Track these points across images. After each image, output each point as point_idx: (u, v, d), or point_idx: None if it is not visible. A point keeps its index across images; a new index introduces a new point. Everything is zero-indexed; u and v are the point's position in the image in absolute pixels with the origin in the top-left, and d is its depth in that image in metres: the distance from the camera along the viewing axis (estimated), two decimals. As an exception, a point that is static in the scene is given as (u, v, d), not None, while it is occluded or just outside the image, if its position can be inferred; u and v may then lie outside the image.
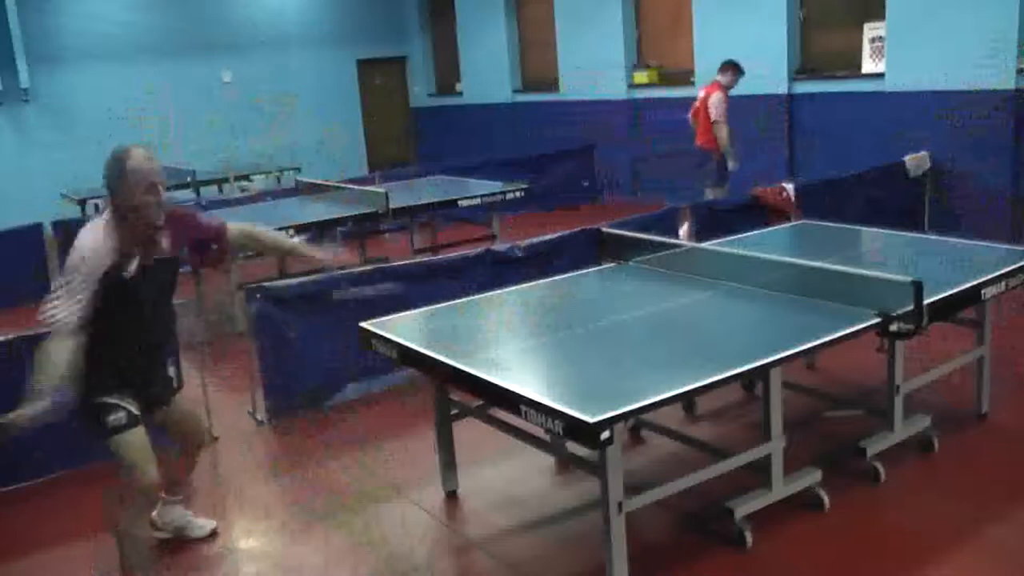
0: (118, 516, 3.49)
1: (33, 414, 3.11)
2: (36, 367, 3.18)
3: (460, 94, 15.47)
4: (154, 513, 3.91)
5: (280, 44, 15.01)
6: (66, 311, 3.17)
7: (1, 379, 4.53)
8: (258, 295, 5.23)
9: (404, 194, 8.11)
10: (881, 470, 4.00)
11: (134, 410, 3.43)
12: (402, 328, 3.96)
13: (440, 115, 15.96)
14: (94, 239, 3.22)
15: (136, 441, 3.41)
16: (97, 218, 3.33)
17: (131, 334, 3.42)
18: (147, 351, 3.54)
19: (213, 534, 4.04)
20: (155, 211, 3.26)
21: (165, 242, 3.40)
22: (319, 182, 8.92)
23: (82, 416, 3.43)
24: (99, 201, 10.43)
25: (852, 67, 9.38)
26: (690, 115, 8.89)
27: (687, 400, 4.72)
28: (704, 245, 4.91)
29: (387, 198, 7.21)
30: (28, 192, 12.12)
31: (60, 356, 3.17)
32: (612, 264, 4.80)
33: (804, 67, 9.91)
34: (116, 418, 3.39)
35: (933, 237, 5.90)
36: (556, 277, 4.74)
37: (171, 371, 4.02)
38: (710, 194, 8.55)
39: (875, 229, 5.32)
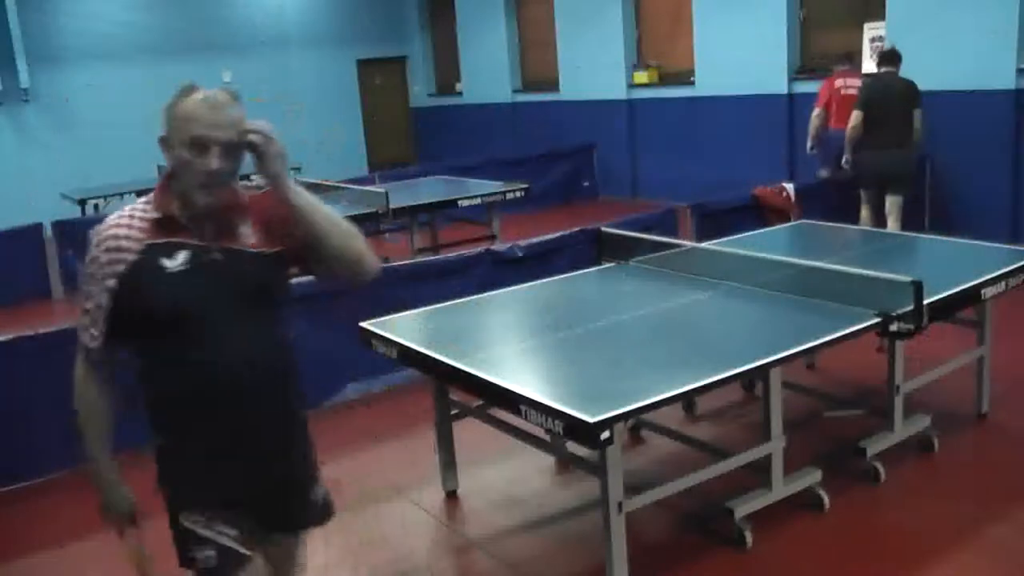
0: None
1: (107, 503, 2.40)
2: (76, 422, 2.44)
3: (460, 94, 15.47)
4: None
5: (280, 44, 15.02)
6: (80, 322, 2.30)
7: (2, 378, 4.57)
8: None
9: (404, 194, 8.11)
10: (881, 470, 4.00)
11: (231, 543, 2.26)
12: (402, 328, 3.96)
13: (440, 115, 15.96)
14: (119, 216, 2.18)
15: None
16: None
17: (195, 376, 2.19)
18: (240, 411, 2.23)
19: None
20: (203, 180, 2.11)
21: (248, 230, 2.24)
22: (319, 182, 8.92)
23: (172, 530, 2.38)
24: (99, 201, 10.45)
25: (852, 67, 9.37)
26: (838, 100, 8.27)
27: (687, 400, 4.72)
28: (704, 245, 4.91)
29: (387, 198, 7.21)
30: (28, 192, 12.12)
31: (84, 399, 2.36)
32: (612, 264, 4.80)
33: (804, 67, 9.91)
34: (205, 558, 2.29)
35: (933, 237, 5.90)
36: (556, 277, 4.74)
37: (319, 487, 2.55)
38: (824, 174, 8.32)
39: (875, 229, 5.32)
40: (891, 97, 7.10)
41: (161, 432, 2.34)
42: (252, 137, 2.18)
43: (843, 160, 7.31)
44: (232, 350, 2.18)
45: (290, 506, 2.44)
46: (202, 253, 2.15)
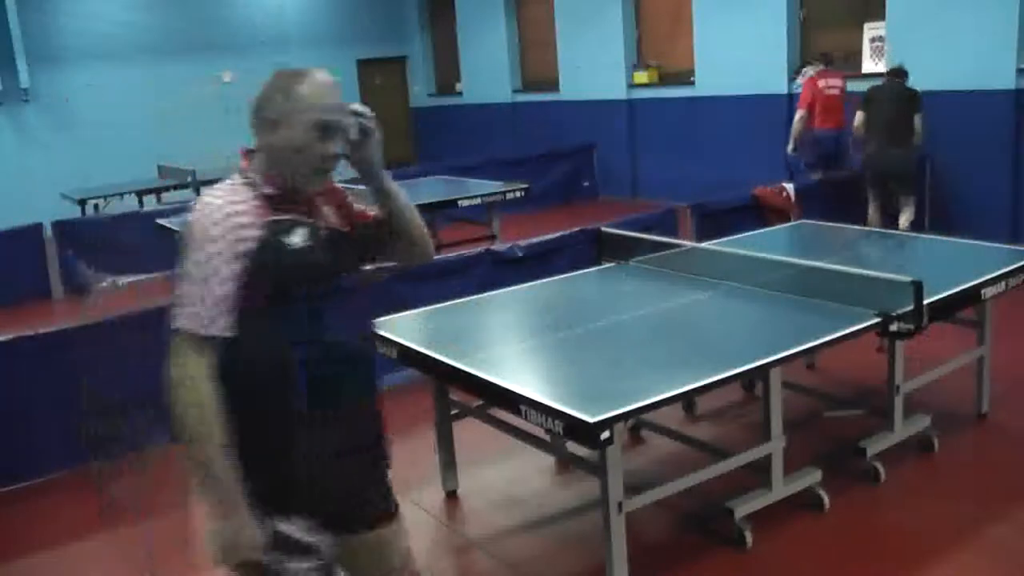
0: None
1: (239, 538, 1.99)
2: (185, 433, 1.96)
3: (460, 94, 15.47)
4: None
5: (280, 44, 15.01)
6: (192, 311, 1.96)
7: (2, 378, 4.57)
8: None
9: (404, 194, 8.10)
10: (881, 470, 4.00)
11: (326, 553, 2.14)
12: (402, 328, 3.95)
13: (440, 115, 15.96)
14: (225, 196, 2.03)
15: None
16: (220, 183, 2.12)
17: (315, 367, 2.07)
18: (349, 402, 2.16)
19: None
20: (321, 164, 2.09)
21: (330, 211, 2.22)
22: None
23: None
24: (99, 201, 10.45)
25: (852, 67, 9.38)
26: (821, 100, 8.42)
27: (687, 400, 4.72)
28: (704, 245, 4.91)
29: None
30: (28, 192, 12.12)
31: (202, 400, 1.95)
32: (612, 264, 4.80)
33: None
34: (302, 570, 2.08)
35: (933, 237, 5.90)
36: (556, 277, 4.74)
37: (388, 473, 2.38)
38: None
39: (875, 229, 5.32)
40: (891, 99, 7.35)
41: (261, 457, 2.04)
42: (366, 122, 2.16)
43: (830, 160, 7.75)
44: (348, 327, 2.14)
45: (374, 505, 2.31)
46: (316, 230, 2.10)
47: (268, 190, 2.07)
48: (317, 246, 2.09)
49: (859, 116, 7.54)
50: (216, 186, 2.10)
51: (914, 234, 6.60)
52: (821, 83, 8.40)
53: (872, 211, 7.55)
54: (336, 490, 2.14)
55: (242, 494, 1.98)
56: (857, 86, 9.09)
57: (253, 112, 2.13)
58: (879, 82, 7.68)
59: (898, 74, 7.50)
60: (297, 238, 2.06)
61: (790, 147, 8.61)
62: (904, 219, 7.41)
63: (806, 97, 8.42)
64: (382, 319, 4.08)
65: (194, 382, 1.94)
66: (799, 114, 8.44)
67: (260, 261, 1.99)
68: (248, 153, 2.15)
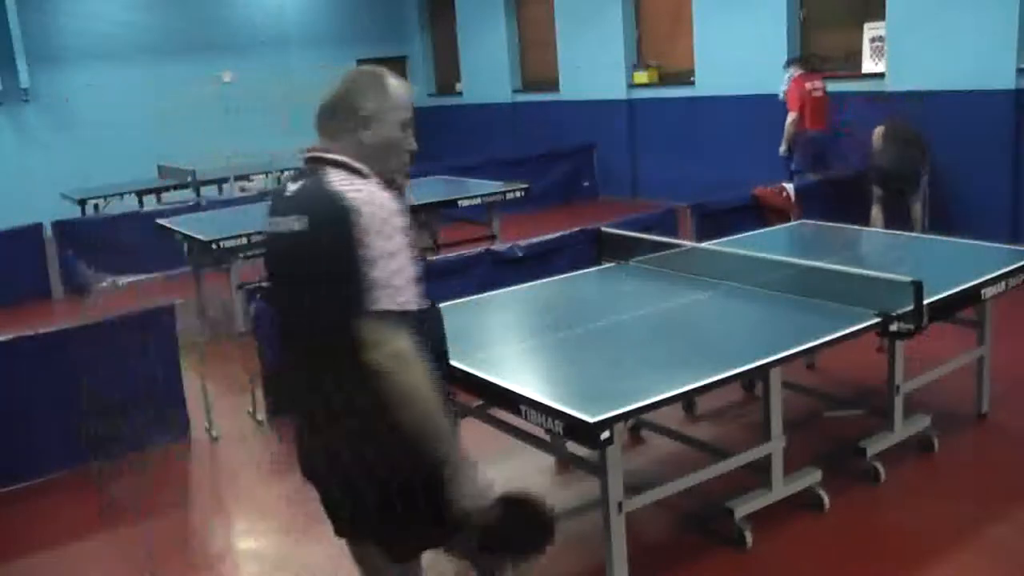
0: None
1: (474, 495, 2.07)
2: (415, 408, 2.01)
3: (460, 94, 15.47)
4: None
5: (280, 44, 15.01)
6: (389, 292, 2.00)
7: (2, 378, 4.58)
8: (258, 295, 5.23)
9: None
10: (881, 470, 4.00)
11: None
12: (402, 328, 3.95)
13: (440, 115, 15.95)
14: (376, 185, 2.14)
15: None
16: (331, 172, 2.15)
17: (434, 350, 2.16)
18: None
19: None
20: (408, 159, 2.33)
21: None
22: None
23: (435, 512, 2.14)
24: (99, 201, 10.44)
25: (852, 67, 9.39)
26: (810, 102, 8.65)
27: (687, 400, 4.72)
28: (704, 245, 4.91)
29: (387, 198, 7.19)
30: (28, 192, 12.12)
31: (420, 365, 2.02)
32: (612, 264, 4.80)
33: (804, 67, 9.89)
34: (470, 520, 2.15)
35: (933, 237, 5.90)
36: (556, 277, 4.74)
37: None
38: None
39: (875, 229, 5.32)
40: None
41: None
42: None
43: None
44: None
45: None
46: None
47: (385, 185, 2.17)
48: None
49: (879, 130, 7.72)
50: (353, 179, 2.14)
51: (914, 234, 6.61)
52: (808, 85, 8.57)
53: (876, 212, 7.54)
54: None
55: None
56: (857, 86, 9.12)
57: (338, 111, 2.21)
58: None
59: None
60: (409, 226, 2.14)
61: (782, 148, 8.77)
62: (917, 212, 7.55)
63: (796, 99, 8.55)
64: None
65: (411, 356, 2.00)
66: (792, 116, 8.59)
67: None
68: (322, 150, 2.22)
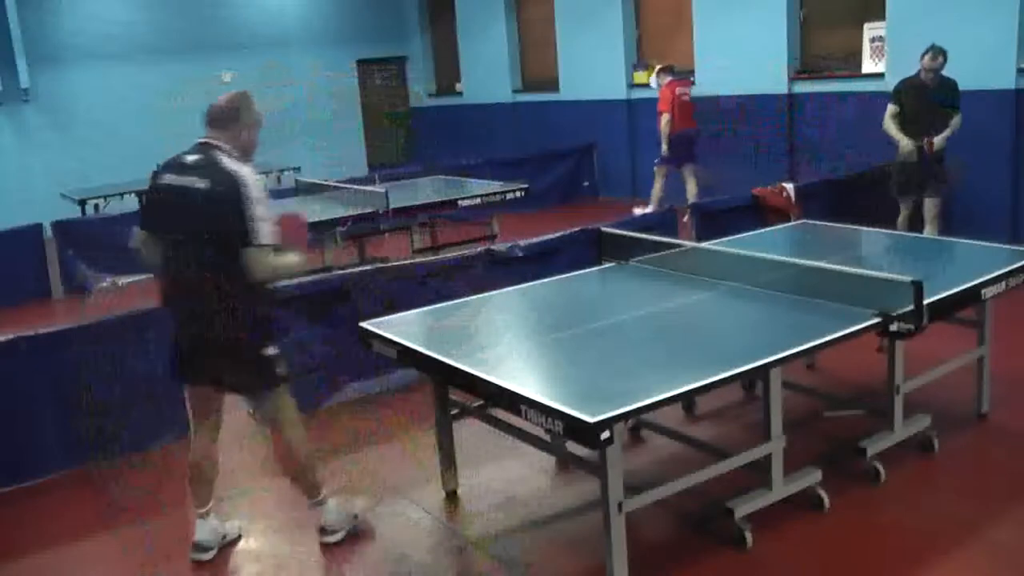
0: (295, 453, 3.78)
1: None
2: (277, 271, 3.49)
3: (460, 94, 15.47)
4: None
5: (280, 44, 15.00)
6: (267, 230, 3.37)
7: (2, 378, 4.57)
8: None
9: (404, 194, 8.11)
10: (881, 470, 4.00)
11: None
12: (402, 328, 3.96)
13: (440, 115, 15.96)
14: (245, 166, 3.47)
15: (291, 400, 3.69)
16: (219, 157, 3.45)
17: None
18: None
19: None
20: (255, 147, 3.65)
21: None
22: (319, 182, 8.93)
23: (254, 367, 3.56)
24: (99, 201, 10.45)
25: (852, 67, 9.39)
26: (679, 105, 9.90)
27: (687, 400, 4.72)
28: (704, 245, 4.91)
29: (387, 198, 7.21)
30: (28, 192, 12.11)
31: (281, 262, 3.46)
32: (612, 264, 4.80)
33: (804, 67, 9.91)
34: (283, 369, 3.60)
35: (933, 237, 5.90)
36: (556, 277, 4.74)
37: None
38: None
39: (875, 229, 5.32)
40: (924, 97, 7.08)
41: (263, 317, 3.62)
42: None
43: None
44: None
45: None
46: None
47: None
48: None
49: (890, 108, 7.20)
50: (231, 160, 3.46)
51: (914, 234, 6.60)
52: (678, 90, 9.93)
53: (902, 220, 7.25)
54: None
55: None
56: (857, 86, 9.13)
57: (227, 117, 3.54)
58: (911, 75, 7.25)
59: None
60: None
61: (664, 147, 9.96)
62: (929, 227, 7.16)
63: (667, 103, 9.83)
64: (382, 319, 4.09)
65: (276, 260, 3.44)
66: (665, 118, 9.86)
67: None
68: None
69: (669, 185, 10.21)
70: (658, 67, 10.35)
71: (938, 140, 6.92)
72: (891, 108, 7.18)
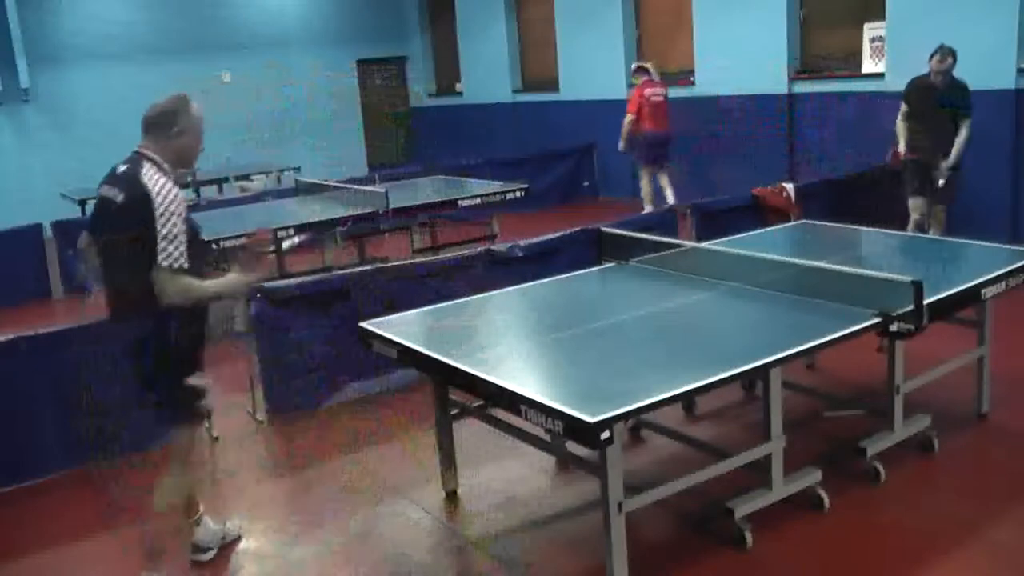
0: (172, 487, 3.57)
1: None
2: (189, 294, 3.26)
3: (460, 94, 15.47)
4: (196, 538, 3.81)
5: (280, 44, 15.00)
6: (177, 252, 3.19)
7: (2, 378, 4.57)
8: (258, 295, 5.23)
9: (404, 194, 8.11)
10: (881, 470, 4.00)
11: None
12: (402, 328, 3.96)
13: (440, 115, 15.96)
14: (165, 180, 3.27)
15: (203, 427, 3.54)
16: (145, 166, 3.29)
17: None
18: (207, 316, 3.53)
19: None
20: (198, 154, 3.49)
21: None
22: (319, 182, 8.93)
23: (169, 391, 3.38)
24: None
25: (852, 67, 9.39)
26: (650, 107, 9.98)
27: (687, 400, 4.72)
28: (704, 245, 4.91)
29: (387, 198, 7.21)
30: (28, 192, 12.11)
31: (195, 282, 3.26)
32: (612, 264, 4.80)
33: (804, 67, 9.91)
34: (206, 404, 3.43)
35: (933, 237, 5.90)
36: (556, 277, 4.74)
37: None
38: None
39: (875, 229, 5.32)
40: (931, 99, 6.89)
41: (187, 341, 3.41)
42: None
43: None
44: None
45: None
46: None
47: (172, 177, 3.33)
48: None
49: (902, 108, 7.05)
50: (158, 174, 3.28)
51: (914, 234, 6.60)
52: (648, 92, 9.95)
53: (912, 227, 7.04)
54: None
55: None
56: (857, 86, 9.13)
57: (159, 124, 3.35)
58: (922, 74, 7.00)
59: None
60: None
61: (621, 145, 10.09)
62: (934, 232, 7.03)
63: (634, 104, 9.94)
64: (382, 319, 4.09)
65: (183, 285, 3.23)
66: (628, 118, 9.97)
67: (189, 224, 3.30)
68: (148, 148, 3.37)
69: (655, 181, 10.32)
70: (635, 66, 10.41)
71: (943, 168, 6.78)
72: (903, 108, 7.05)
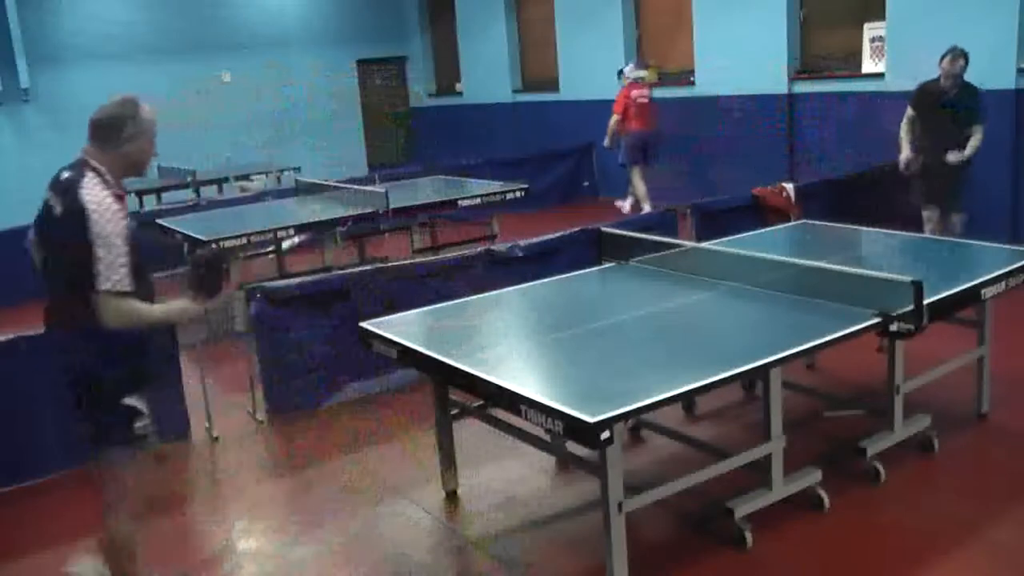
0: (115, 530, 3.21)
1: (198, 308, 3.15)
2: (132, 320, 2.97)
3: (460, 94, 15.47)
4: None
5: (280, 44, 15.01)
6: (117, 276, 2.89)
7: (2, 378, 4.57)
8: (258, 295, 5.23)
9: (404, 194, 8.11)
10: (881, 470, 4.00)
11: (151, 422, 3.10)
12: (402, 328, 3.96)
13: (440, 115, 15.96)
14: (104, 196, 2.94)
15: (143, 461, 3.13)
16: (87, 177, 2.98)
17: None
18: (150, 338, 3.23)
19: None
20: (149, 160, 3.16)
21: None
22: (319, 182, 8.93)
23: (102, 414, 3.08)
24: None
25: (852, 67, 9.39)
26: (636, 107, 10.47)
27: (687, 400, 4.72)
28: (704, 245, 4.91)
29: (387, 198, 7.21)
30: (28, 192, 11.99)
31: (140, 308, 2.97)
32: (612, 264, 4.80)
33: (804, 67, 9.91)
34: (143, 426, 3.09)
35: (933, 237, 5.90)
36: (556, 277, 4.74)
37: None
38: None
39: (875, 229, 5.32)
40: (941, 105, 6.65)
41: (120, 361, 3.07)
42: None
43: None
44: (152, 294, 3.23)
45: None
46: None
47: (115, 188, 3.02)
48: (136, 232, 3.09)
49: (908, 112, 6.83)
50: (99, 186, 2.95)
51: (914, 234, 6.59)
52: (634, 93, 10.47)
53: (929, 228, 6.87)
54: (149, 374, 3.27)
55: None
56: (857, 86, 9.13)
57: (105, 130, 3.03)
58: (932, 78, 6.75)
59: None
60: (133, 224, 3.07)
61: (606, 142, 10.68)
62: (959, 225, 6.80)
63: (620, 104, 10.44)
64: (382, 319, 4.09)
65: (124, 311, 2.94)
66: (614, 117, 10.48)
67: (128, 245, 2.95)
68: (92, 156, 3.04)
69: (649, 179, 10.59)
70: (624, 69, 10.86)
71: (950, 157, 6.58)
72: (908, 112, 6.84)
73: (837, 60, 9.59)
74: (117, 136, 3.03)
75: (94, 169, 3.01)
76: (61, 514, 4.37)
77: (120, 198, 3.03)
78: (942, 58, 6.56)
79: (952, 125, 6.65)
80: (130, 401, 3.08)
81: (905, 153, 6.80)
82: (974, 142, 6.61)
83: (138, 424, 3.09)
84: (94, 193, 2.93)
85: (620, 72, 10.85)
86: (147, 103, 3.12)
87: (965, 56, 6.50)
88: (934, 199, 6.85)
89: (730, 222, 6.26)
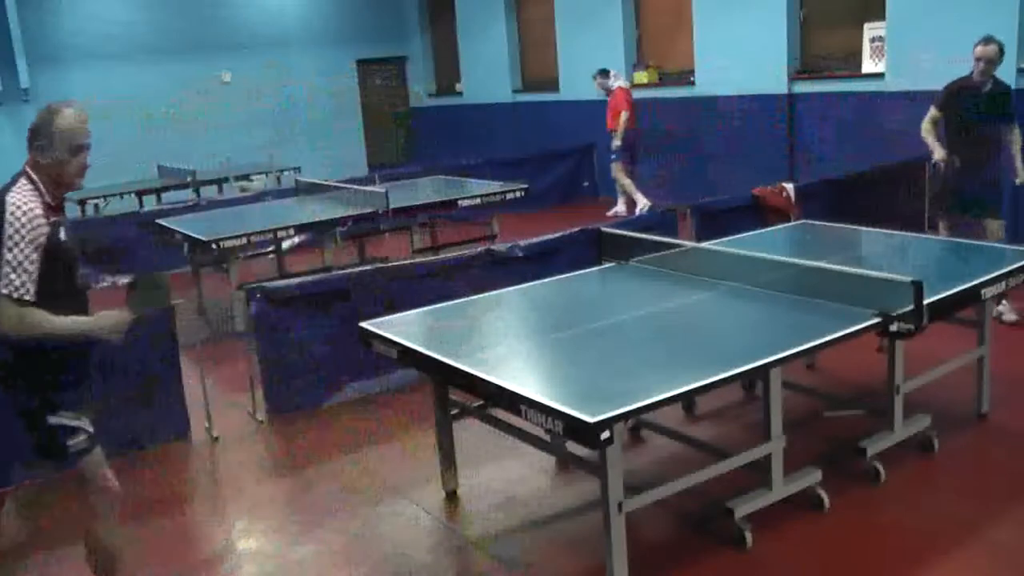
0: (94, 529, 3.30)
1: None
2: (27, 329, 2.87)
3: (460, 94, 15.47)
4: None
5: (280, 44, 15.01)
6: (20, 281, 2.84)
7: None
8: (258, 295, 5.23)
9: (404, 194, 8.11)
10: (881, 470, 4.00)
11: (90, 427, 3.07)
12: (402, 328, 3.96)
13: (440, 115, 15.96)
14: (26, 201, 2.92)
15: (97, 458, 3.12)
16: (20, 182, 3.00)
17: (74, 316, 3.01)
18: (88, 344, 3.14)
19: None
20: (80, 174, 3.06)
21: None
22: (319, 182, 8.93)
23: (35, 435, 3.06)
24: (99, 201, 10.45)
25: (852, 67, 9.39)
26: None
27: (687, 400, 4.72)
28: (704, 245, 4.91)
29: (387, 198, 7.21)
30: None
31: (41, 318, 2.87)
32: (612, 264, 4.80)
33: (804, 67, 9.91)
34: (76, 443, 3.04)
35: (933, 237, 5.90)
36: (556, 277, 4.74)
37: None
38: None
39: (875, 229, 5.32)
40: (978, 106, 6.27)
41: (43, 373, 2.99)
42: None
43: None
44: (86, 303, 3.20)
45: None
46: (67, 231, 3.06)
47: (47, 197, 2.98)
48: (70, 240, 3.06)
49: (931, 112, 6.37)
50: (26, 189, 2.94)
51: (914, 234, 6.58)
52: (630, 92, 10.87)
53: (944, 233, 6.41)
54: (86, 381, 3.16)
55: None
56: (857, 86, 9.13)
57: (32, 137, 3.02)
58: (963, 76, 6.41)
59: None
60: (61, 234, 2.99)
61: (617, 143, 10.78)
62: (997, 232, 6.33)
63: (627, 102, 10.72)
64: (382, 319, 4.09)
65: (29, 317, 2.85)
66: (624, 115, 10.69)
67: (48, 251, 2.91)
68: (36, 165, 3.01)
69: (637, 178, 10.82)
70: (612, 71, 11.14)
71: (1019, 181, 6.16)
72: (931, 112, 6.32)
73: (837, 60, 9.59)
74: (31, 146, 3.02)
75: (27, 175, 3.02)
76: (61, 514, 4.36)
77: (53, 209, 2.99)
78: (976, 45, 6.23)
79: (982, 136, 6.23)
80: (57, 420, 3.00)
81: (939, 153, 6.17)
82: (1017, 148, 6.20)
83: (71, 442, 3.02)
84: (17, 197, 2.93)
85: (602, 72, 11.14)
86: (73, 108, 3.04)
87: (998, 42, 6.13)
88: (962, 206, 6.28)
89: (730, 222, 6.26)
